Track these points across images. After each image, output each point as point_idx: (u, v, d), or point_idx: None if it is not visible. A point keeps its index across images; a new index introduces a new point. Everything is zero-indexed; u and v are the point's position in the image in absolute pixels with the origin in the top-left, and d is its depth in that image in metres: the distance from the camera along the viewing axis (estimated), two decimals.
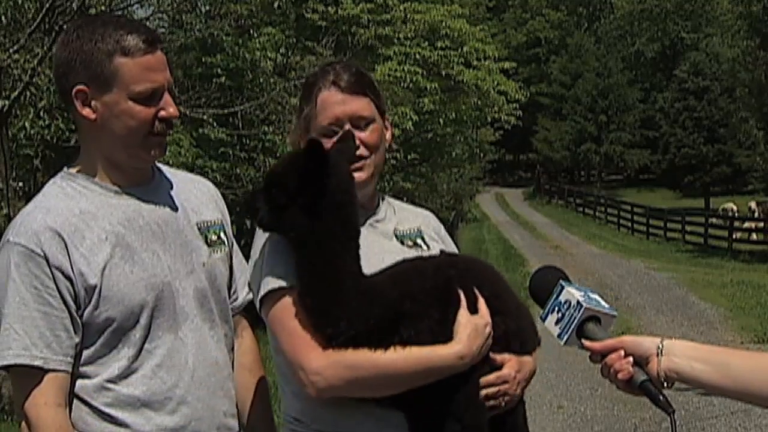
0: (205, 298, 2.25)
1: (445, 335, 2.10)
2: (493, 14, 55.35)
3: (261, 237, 2.25)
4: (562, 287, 2.00)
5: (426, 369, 2.08)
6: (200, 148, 14.34)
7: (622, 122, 56.43)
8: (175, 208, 2.27)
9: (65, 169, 2.24)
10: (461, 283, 2.16)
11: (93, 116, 2.14)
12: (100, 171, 2.20)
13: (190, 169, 11.66)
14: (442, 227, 2.54)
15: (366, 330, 2.07)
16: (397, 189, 19.76)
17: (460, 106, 21.18)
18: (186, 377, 2.17)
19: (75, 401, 2.12)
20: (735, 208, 32.06)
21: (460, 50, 20.83)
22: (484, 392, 2.14)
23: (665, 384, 1.88)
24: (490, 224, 39.57)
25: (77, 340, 2.09)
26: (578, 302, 1.95)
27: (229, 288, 2.38)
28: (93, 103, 2.13)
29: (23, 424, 2.10)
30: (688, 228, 29.86)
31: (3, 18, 9.63)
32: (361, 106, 2.29)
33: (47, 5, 9.58)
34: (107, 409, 2.11)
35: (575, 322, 1.95)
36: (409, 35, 19.45)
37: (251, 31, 16.07)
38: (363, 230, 2.27)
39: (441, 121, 20.71)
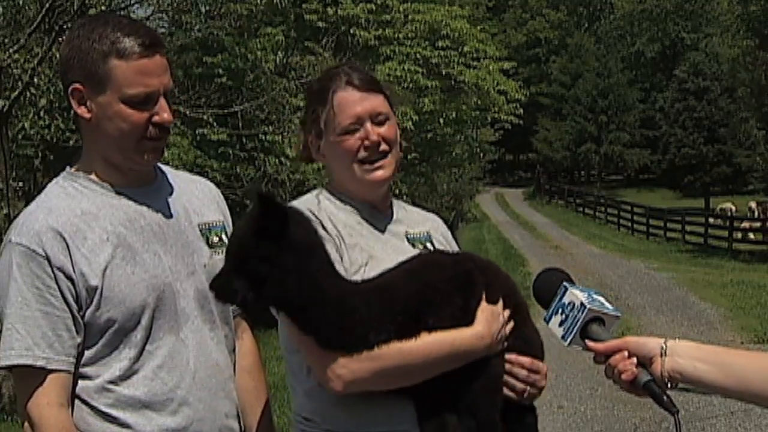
0: (205, 300, 2.24)
1: (466, 321, 2.11)
2: (493, 14, 55.29)
3: None
4: (566, 289, 2.01)
5: (449, 352, 2.08)
6: (200, 148, 14.35)
7: (622, 122, 56.43)
8: (176, 210, 2.27)
9: (67, 168, 2.24)
10: (480, 276, 2.18)
11: (88, 116, 2.14)
12: (101, 171, 2.20)
13: (190, 169, 11.67)
14: (449, 232, 2.56)
15: (396, 328, 2.07)
16: (397, 189, 19.76)
17: (460, 106, 21.18)
18: (187, 378, 2.17)
19: (76, 402, 2.11)
20: (734, 207, 32.06)
21: (460, 50, 20.84)
22: (516, 371, 2.15)
23: (669, 384, 1.89)
24: (490, 224, 39.57)
25: (79, 340, 2.09)
26: (582, 303, 1.96)
27: None
28: (88, 102, 2.13)
29: (26, 424, 2.09)
30: (688, 228, 29.86)
31: (3, 18, 9.64)
32: (379, 102, 2.31)
33: (47, 5, 9.58)
34: (109, 410, 2.11)
35: (579, 323, 1.96)
36: (409, 35, 19.46)
37: (250, 32, 16.07)
38: (378, 233, 2.30)
39: (441, 121, 20.71)
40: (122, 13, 10.34)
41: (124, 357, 2.12)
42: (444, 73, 20.17)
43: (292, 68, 15.94)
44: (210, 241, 2.30)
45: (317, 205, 2.28)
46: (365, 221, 2.31)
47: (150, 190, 2.24)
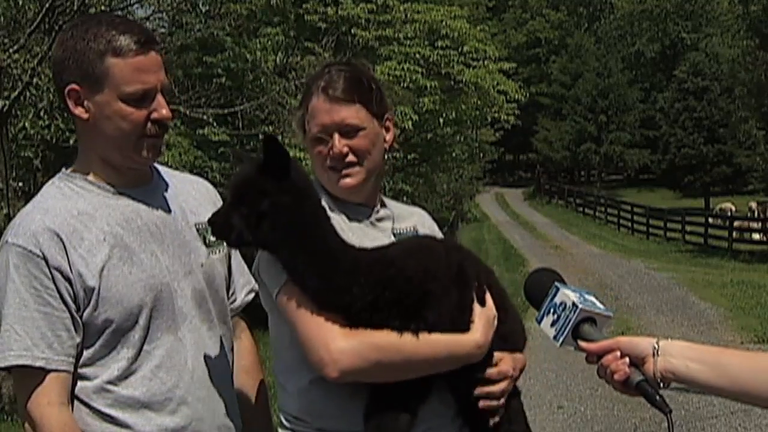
0: (203, 299, 2.24)
1: (462, 321, 2.12)
2: (493, 14, 55.29)
3: None
4: (557, 289, 2.00)
5: (447, 356, 2.10)
6: (200, 148, 14.35)
7: (622, 122, 56.43)
8: (173, 209, 2.26)
9: (63, 169, 2.24)
10: (470, 268, 2.19)
11: (85, 116, 2.13)
12: (98, 171, 2.19)
13: (190, 169, 11.67)
14: (435, 225, 2.55)
15: (387, 297, 2.06)
16: (397, 189, 19.75)
17: (460, 106, 21.17)
18: (186, 378, 2.17)
19: (75, 403, 2.11)
20: (733, 207, 32.05)
21: (460, 50, 20.83)
22: (489, 389, 2.16)
23: (662, 384, 1.89)
24: (490, 224, 39.58)
25: (78, 339, 2.09)
26: (574, 303, 1.96)
27: (228, 289, 2.37)
28: (85, 102, 2.12)
29: (26, 425, 2.09)
30: (688, 228, 29.87)
31: (3, 18, 9.63)
32: (349, 114, 2.27)
33: (47, 5, 9.58)
34: (107, 410, 2.11)
35: (571, 323, 1.95)
36: (409, 35, 19.46)
37: (250, 32, 16.07)
38: (364, 228, 2.30)
39: (441, 121, 20.71)
40: (122, 13, 10.35)
41: (122, 357, 2.12)
42: (444, 73, 20.16)
43: (292, 68, 15.93)
44: (207, 241, 2.30)
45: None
46: (350, 218, 2.31)
47: (147, 190, 2.24)
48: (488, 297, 2.18)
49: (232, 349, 2.37)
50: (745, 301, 14.97)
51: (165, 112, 2.16)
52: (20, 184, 11.77)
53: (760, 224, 28.95)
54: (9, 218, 8.55)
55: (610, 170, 62.19)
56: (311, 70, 15.37)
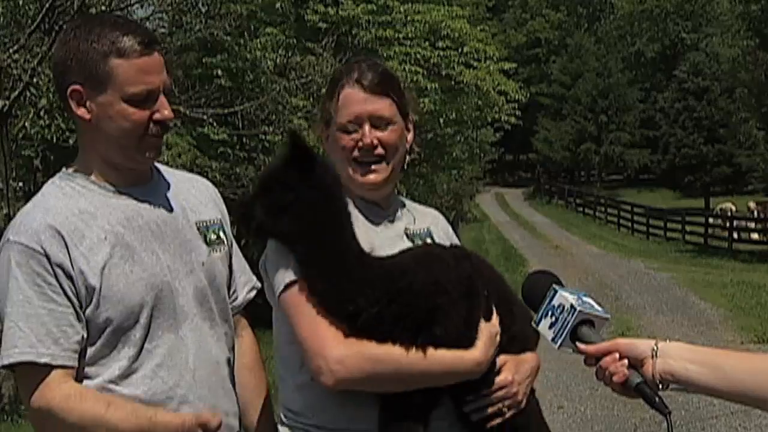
0: (204, 298, 2.24)
1: (467, 336, 2.12)
2: (493, 14, 55.25)
3: None
4: (555, 291, 2.00)
5: (445, 372, 2.10)
6: (200, 148, 14.34)
7: (622, 122, 56.43)
8: (174, 208, 2.27)
9: (64, 169, 2.24)
10: (479, 280, 2.19)
11: (88, 116, 2.14)
12: (98, 171, 2.19)
13: (190, 169, 11.67)
14: (450, 228, 2.56)
15: (393, 310, 2.06)
16: (396, 189, 19.74)
17: (461, 106, 21.17)
18: (187, 377, 2.17)
19: None
20: (733, 207, 32.05)
21: (460, 50, 20.83)
22: (476, 405, 2.16)
23: (660, 386, 1.89)
24: (490, 224, 39.57)
25: (83, 333, 2.08)
26: (572, 306, 1.96)
27: (229, 287, 2.37)
28: (88, 103, 2.12)
29: (33, 419, 2.08)
30: (688, 228, 29.88)
31: (3, 18, 9.64)
32: (382, 106, 2.29)
33: (47, 5, 9.59)
34: None
35: (569, 325, 1.96)
36: (409, 35, 19.46)
37: (250, 32, 16.05)
38: (377, 228, 2.30)
39: (441, 121, 20.71)
40: (122, 13, 10.35)
41: (124, 356, 2.12)
42: (444, 73, 20.16)
43: (292, 68, 15.93)
44: (208, 239, 2.30)
45: None
46: (364, 217, 2.31)
47: (147, 189, 2.24)
48: (494, 313, 2.18)
49: (234, 348, 2.37)
50: (745, 301, 14.97)
51: (167, 112, 2.16)
52: (20, 184, 11.78)
53: (755, 224, 28.96)
54: (9, 218, 8.55)
55: (610, 170, 62.18)
56: (311, 70, 15.40)
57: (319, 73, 15.33)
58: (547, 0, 71.03)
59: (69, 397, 2.02)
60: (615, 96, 56.32)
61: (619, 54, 60.79)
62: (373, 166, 2.28)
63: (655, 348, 1.89)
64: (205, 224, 2.32)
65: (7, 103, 9.12)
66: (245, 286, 2.43)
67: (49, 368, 2.03)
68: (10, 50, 9.12)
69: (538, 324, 2.02)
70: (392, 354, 2.06)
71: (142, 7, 12.90)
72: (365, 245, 2.17)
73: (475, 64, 21.33)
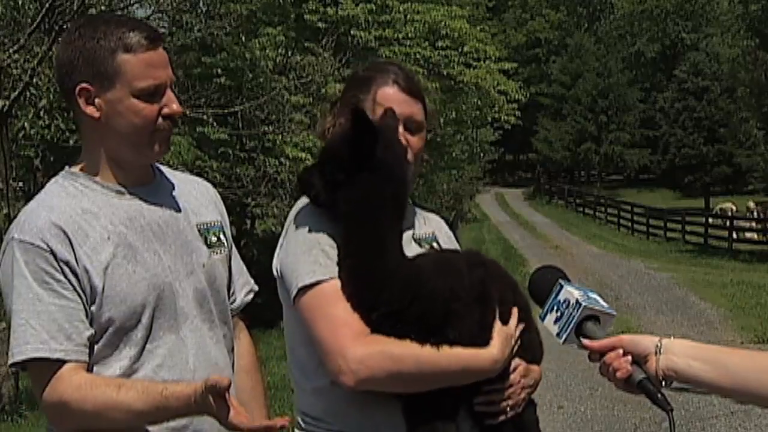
0: (204, 299, 2.25)
1: (482, 338, 2.12)
2: (493, 14, 55.24)
3: (292, 232, 2.22)
4: (561, 286, 2.01)
5: (464, 370, 2.10)
6: (200, 148, 14.35)
7: (622, 122, 56.43)
8: (175, 209, 2.27)
9: (66, 168, 2.24)
10: (493, 285, 2.19)
11: (97, 114, 2.14)
12: (103, 170, 2.20)
13: (190, 169, 11.67)
14: (452, 234, 2.56)
15: (412, 312, 2.06)
16: None
17: (461, 106, 21.18)
18: (187, 377, 2.17)
19: None
20: (734, 207, 32.05)
21: (460, 50, 20.84)
22: (488, 398, 2.16)
23: (663, 382, 1.89)
24: (490, 224, 39.59)
25: (92, 330, 2.09)
26: (577, 301, 1.96)
27: (228, 289, 2.37)
28: (97, 101, 2.13)
29: (49, 414, 2.08)
30: (688, 228, 29.88)
31: (3, 18, 9.64)
32: (417, 110, 2.31)
33: (47, 5, 9.59)
34: None
35: (574, 321, 1.96)
36: (409, 35, 19.46)
37: (250, 32, 16.06)
38: None
39: (441, 121, 20.69)
40: (122, 13, 10.35)
41: (125, 356, 2.12)
42: (444, 73, 20.17)
43: (292, 68, 15.94)
44: (208, 241, 2.30)
45: None
46: None
47: (149, 190, 2.24)
48: (513, 315, 2.18)
49: (233, 350, 2.37)
50: (745, 301, 14.97)
51: (176, 106, 2.18)
52: (20, 184, 11.78)
53: (754, 224, 28.96)
54: (9, 218, 8.55)
55: (610, 170, 62.19)
56: (311, 70, 15.41)
57: (318, 72, 15.35)
58: (547, 0, 71.02)
59: (80, 387, 2.03)
60: (615, 96, 56.32)
61: (619, 54, 60.78)
62: None
63: (659, 345, 1.89)
64: (205, 226, 2.32)
65: (7, 103, 9.12)
66: (243, 288, 2.43)
67: (61, 363, 2.03)
68: (10, 50, 9.12)
69: (543, 318, 2.02)
70: (412, 353, 2.05)
71: (141, 6, 12.91)
72: None
73: (475, 63, 21.33)
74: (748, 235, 27.74)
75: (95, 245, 2.10)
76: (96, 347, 2.11)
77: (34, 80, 9.17)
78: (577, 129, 56.87)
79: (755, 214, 30.73)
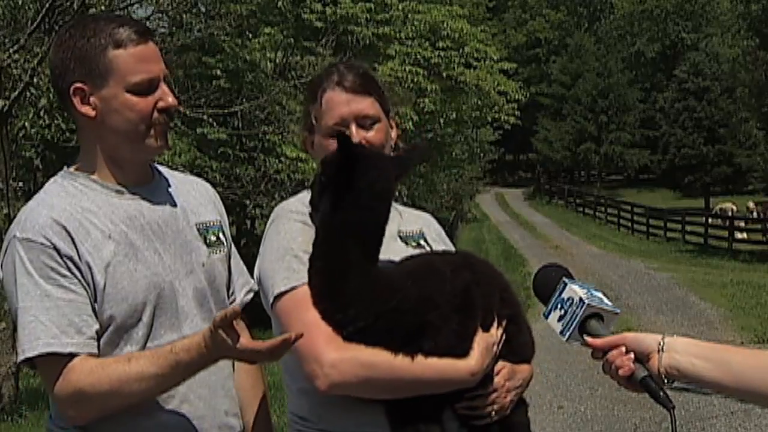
0: (204, 299, 2.25)
1: (461, 348, 2.11)
2: (493, 15, 55.30)
3: (268, 239, 2.25)
4: (565, 284, 2.01)
5: (439, 380, 2.10)
6: (200, 148, 14.36)
7: (622, 122, 56.45)
8: (174, 209, 2.27)
9: (65, 168, 2.25)
10: (478, 291, 2.17)
11: (93, 113, 2.14)
12: (101, 169, 2.20)
13: (190, 169, 11.67)
14: (441, 230, 2.56)
15: (379, 326, 2.06)
16: (396, 190, 19.76)
17: (461, 106, 21.19)
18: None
19: None
20: (734, 207, 32.04)
21: (460, 50, 20.85)
22: (470, 404, 2.16)
23: (666, 380, 1.89)
24: (490, 224, 39.61)
25: (99, 325, 2.09)
26: (581, 299, 1.96)
27: (227, 289, 2.38)
28: (92, 99, 2.13)
29: (65, 407, 2.07)
30: (688, 228, 29.89)
31: (3, 18, 9.63)
32: (366, 105, 2.31)
33: (47, 5, 9.59)
34: None
35: (577, 318, 1.96)
36: (409, 35, 19.47)
37: (249, 33, 16.06)
38: None
39: (441, 121, 20.73)
40: (122, 13, 10.35)
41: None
42: (444, 73, 20.18)
43: (292, 68, 15.94)
44: (208, 241, 2.30)
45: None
46: None
47: (148, 189, 2.24)
48: (494, 324, 2.17)
49: None
50: (745, 301, 14.98)
51: (171, 99, 2.18)
52: (20, 184, 11.78)
53: (743, 223, 28.92)
54: (9, 218, 8.55)
55: (610, 170, 62.22)
56: (311, 70, 15.40)
57: (319, 72, 15.34)
58: (547, 0, 71.05)
59: (92, 371, 2.02)
60: (615, 96, 56.34)
61: (619, 54, 60.81)
62: None
63: (662, 342, 1.89)
64: (205, 226, 2.32)
65: (7, 103, 9.12)
66: (243, 288, 2.43)
67: (72, 357, 2.03)
68: (10, 50, 9.12)
69: (547, 316, 2.02)
70: (387, 361, 2.06)
71: (141, 6, 12.90)
72: None
73: (475, 64, 21.35)
74: (740, 235, 27.56)
75: (96, 243, 2.10)
76: (98, 344, 2.10)
77: (34, 80, 9.16)
78: (577, 129, 56.89)
79: (755, 214, 30.73)
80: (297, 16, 18.76)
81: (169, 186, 2.31)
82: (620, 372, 1.91)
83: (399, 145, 2.43)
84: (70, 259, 2.06)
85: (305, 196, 2.32)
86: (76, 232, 2.08)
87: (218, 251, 2.32)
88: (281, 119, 14.81)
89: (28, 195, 10.84)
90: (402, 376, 2.06)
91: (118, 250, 2.11)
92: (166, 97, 2.16)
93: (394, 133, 2.41)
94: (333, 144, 2.21)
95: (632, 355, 1.91)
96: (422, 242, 2.41)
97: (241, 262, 2.45)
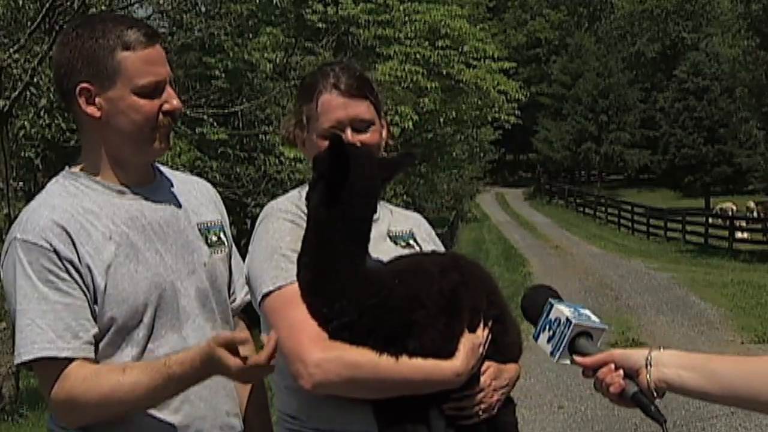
0: (206, 299, 2.25)
1: (446, 349, 2.12)
2: (493, 14, 55.30)
3: (259, 236, 2.27)
4: (552, 305, 2.04)
5: (423, 381, 2.10)
6: (200, 148, 14.35)
7: (622, 122, 56.47)
8: (176, 209, 2.27)
9: (67, 168, 2.24)
10: (466, 292, 2.18)
11: (98, 114, 2.14)
12: (103, 170, 2.20)
13: (190, 169, 11.67)
14: (432, 230, 2.57)
15: (364, 322, 2.07)
16: (396, 190, 19.77)
17: (460, 105, 21.19)
18: None
19: None
20: (734, 207, 32.04)
21: (460, 50, 20.85)
22: (457, 404, 2.16)
23: (656, 394, 1.92)
24: (491, 224, 39.61)
25: (97, 329, 2.09)
26: (567, 319, 1.99)
27: (228, 289, 2.38)
28: (97, 100, 2.13)
29: (59, 412, 2.08)
30: (689, 228, 29.89)
31: (3, 18, 9.63)
32: (362, 109, 2.31)
33: (47, 5, 9.59)
34: None
35: (566, 338, 1.99)
36: (409, 35, 19.48)
37: (250, 33, 16.06)
38: None
39: (441, 120, 20.73)
40: (122, 13, 10.35)
41: (127, 355, 2.12)
42: (444, 73, 20.18)
43: (292, 68, 15.94)
44: (209, 241, 2.31)
45: (299, 200, 2.30)
46: None
47: (150, 189, 2.25)
48: (480, 326, 2.18)
49: None
50: (745, 301, 14.98)
51: (176, 102, 2.18)
52: (20, 184, 11.79)
53: (744, 223, 28.91)
54: (9, 218, 8.55)
55: (610, 170, 62.22)
56: (311, 69, 15.38)
57: None
58: (547, 0, 71.05)
59: (86, 379, 2.03)
60: (615, 96, 56.36)
61: (619, 54, 60.82)
62: None
63: (649, 357, 1.93)
64: (206, 226, 2.32)
65: (7, 103, 9.12)
66: (243, 288, 2.43)
67: (68, 362, 2.03)
68: (10, 50, 9.12)
69: (537, 338, 2.05)
70: (371, 360, 2.07)
71: (142, 6, 12.91)
72: None
73: (475, 63, 21.35)
74: (740, 235, 27.56)
75: (97, 244, 2.10)
76: (98, 346, 2.10)
77: (35, 80, 9.16)
78: (578, 129, 56.89)
79: (755, 214, 30.73)
80: (298, 17, 18.76)
81: (171, 186, 2.31)
82: (611, 389, 1.95)
83: (389, 143, 2.44)
84: (70, 262, 2.06)
85: (295, 195, 2.34)
86: (77, 235, 2.08)
87: (219, 251, 2.33)
88: (281, 119, 14.79)
89: (29, 195, 10.86)
90: (386, 377, 2.07)
91: (119, 251, 2.11)
92: (171, 100, 2.17)
93: (384, 133, 2.42)
94: (326, 144, 2.22)
95: (621, 372, 1.94)
96: (412, 242, 2.42)
97: (242, 262, 2.45)
